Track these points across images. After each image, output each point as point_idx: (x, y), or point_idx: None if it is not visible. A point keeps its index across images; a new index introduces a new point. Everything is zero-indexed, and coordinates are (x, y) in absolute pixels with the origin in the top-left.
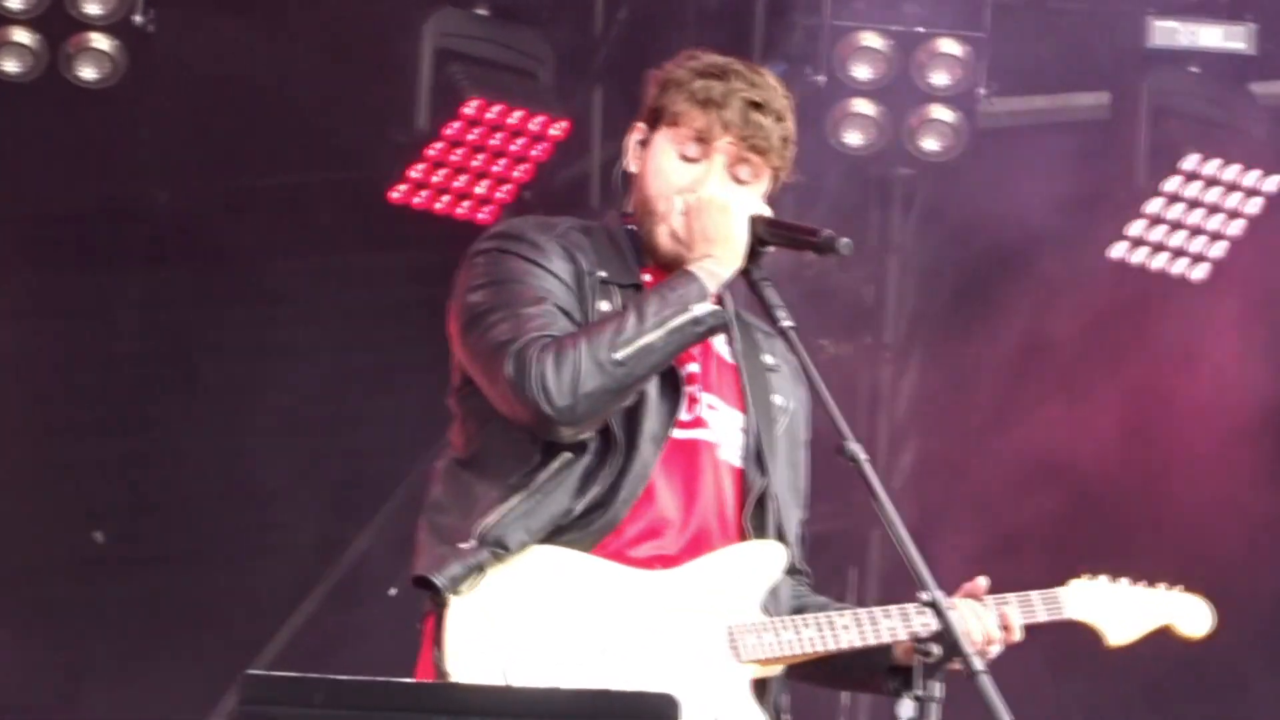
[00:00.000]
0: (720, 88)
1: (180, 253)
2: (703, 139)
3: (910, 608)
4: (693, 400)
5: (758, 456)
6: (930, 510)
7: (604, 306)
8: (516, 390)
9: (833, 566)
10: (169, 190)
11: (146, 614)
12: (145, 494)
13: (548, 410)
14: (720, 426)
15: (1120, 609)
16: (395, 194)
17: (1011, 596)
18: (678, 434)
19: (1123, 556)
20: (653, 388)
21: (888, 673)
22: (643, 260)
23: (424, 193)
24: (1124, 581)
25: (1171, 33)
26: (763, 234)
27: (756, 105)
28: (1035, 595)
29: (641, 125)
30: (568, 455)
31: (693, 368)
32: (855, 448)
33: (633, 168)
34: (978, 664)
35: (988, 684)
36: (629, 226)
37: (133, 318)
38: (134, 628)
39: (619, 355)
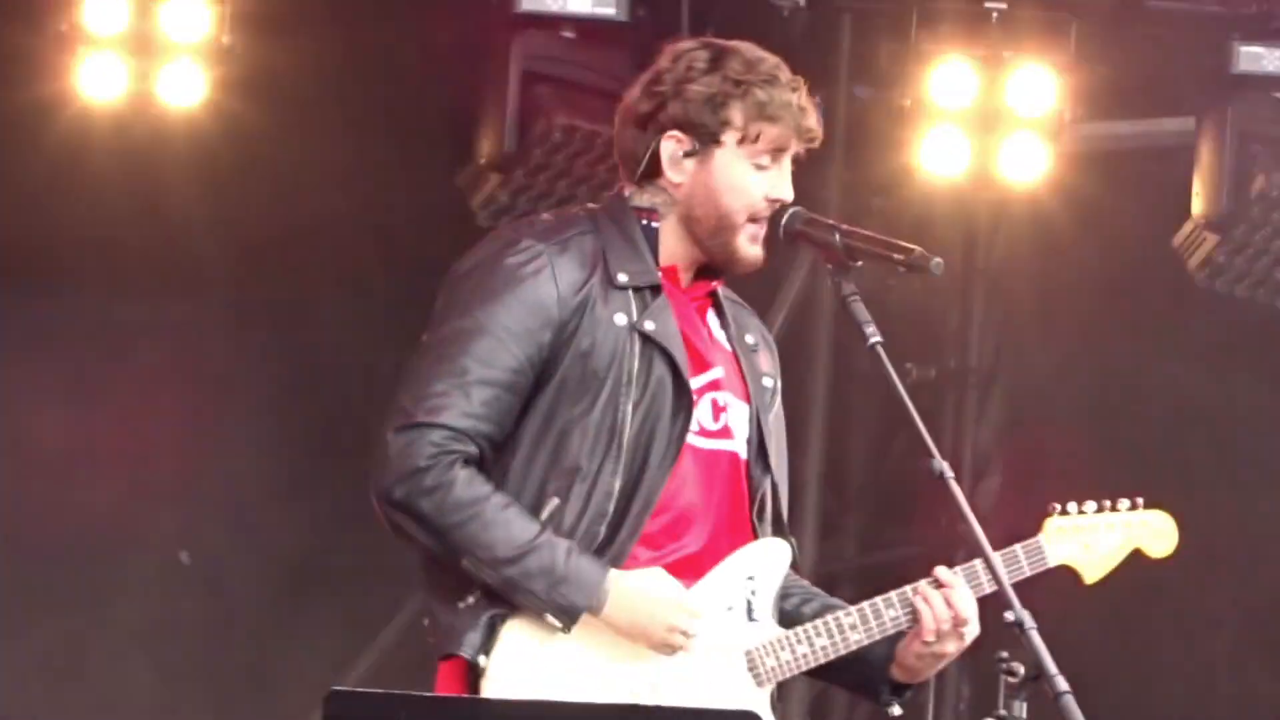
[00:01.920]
0: (780, 96)
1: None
2: (780, 149)
3: (908, 590)
4: (720, 409)
5: (760, 450)
6: (1014, 536)
7: (619, 319)
8: (396, 464)
9: None
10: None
11: (233, 630)
12: (223, 513)
13: (391, 501)
14: (737, 428)
15: (1093, 544)
16: (484, 216)
17: (995, 555)
18: (705, 443)
19: None
20: (667, 407)
21: (886, 690)
22: (659, 259)
23: (509, 216)
24: (1090, 507)
25: (1257, 58)
26: (853, 248)
27: (803, 99)
28: (1019, 549)
29: (679, 135)
30: (555, 503)
31: (717, 373)
32: (942, 465)
33: (676, 178)
34: (1061, 684)
35: (1071, 704)
36: (645, 222)
37: (233, 338)
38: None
39: (466, 553)
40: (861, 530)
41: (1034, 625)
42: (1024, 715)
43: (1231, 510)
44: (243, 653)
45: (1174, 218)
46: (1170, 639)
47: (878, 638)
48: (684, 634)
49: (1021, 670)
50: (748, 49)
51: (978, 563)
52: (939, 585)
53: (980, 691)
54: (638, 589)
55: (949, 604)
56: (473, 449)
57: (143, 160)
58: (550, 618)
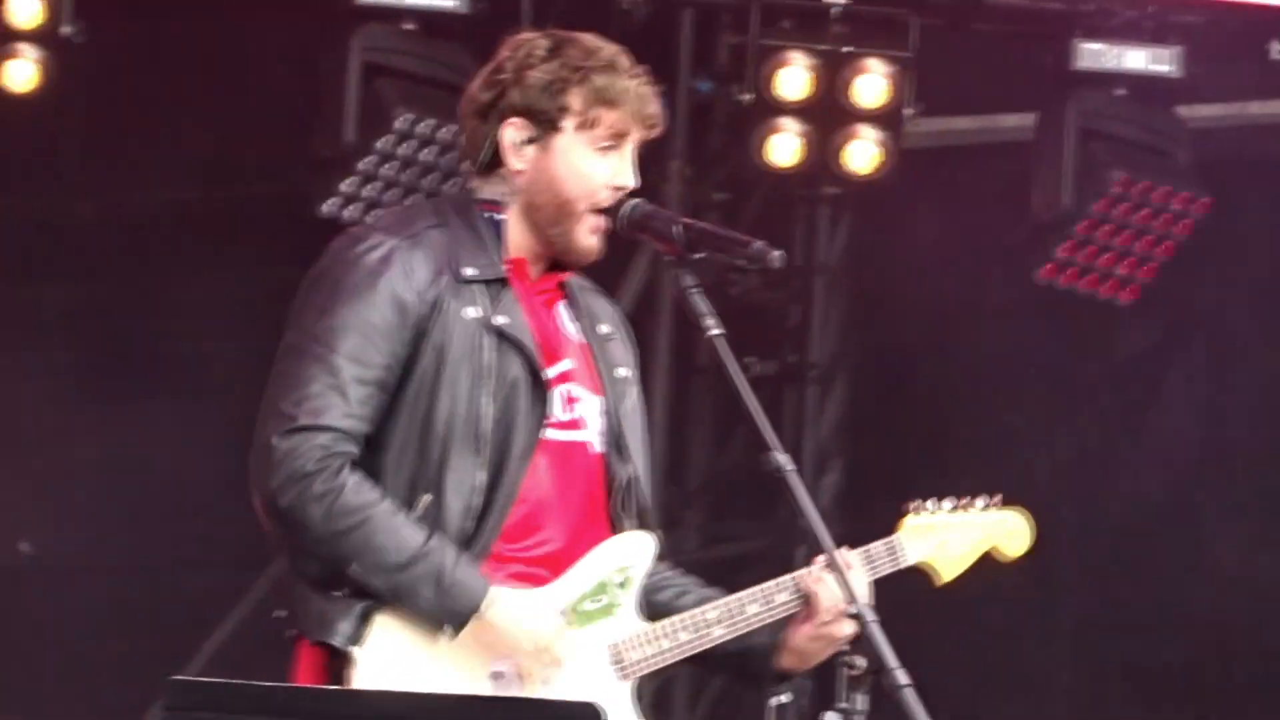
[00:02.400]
0: (620, 82)
1: (105, 267)
2: (620, 135)
3: (771, 586)
4: (571, 400)
5: (617, 441)
6: (855, 532)
7: (470, 313)
8: (282, 469)
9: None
10: (94, 204)
11: (76, 624)
12: (74, 505)
13: (277, 506)
14: (589, 419)
15: (948, 543)
16: (325, 208)
17: (854, 553)
18: (556, 435)
19: None
20: (522, 399)
21: (771, 679)
22: (504, 252)
23: (352, 207)
24: (947, 505)
25: (1098, 55)
26: (694, 241)
27: (643, 86)
28: (877, 546)
29: (519, 122)
30: (428, 498)
31: (567, 364)
32: (782, 458)
33: (517, 165)
34: (902, 678)
35: (912, 697)
36: (489, 214)
37: (60, 329)
38: (64, 638)
39: (354, 559)
40: (702, 524)
41: (875, 618)
42: (865, 709)
43: (1070, 512)
44: (78, 646)
45: (1014, 213)
46: (1008, 636)
47: (741, 632)
48: (553, 661)
49: (863, 663)
50: (588, 38)
51: (855, 554)
52: (844, 566)
53: (821, 685)
54: (517, 612)
55: (844, 584)
56: (355, 450)
57: None
58: (441, 624)
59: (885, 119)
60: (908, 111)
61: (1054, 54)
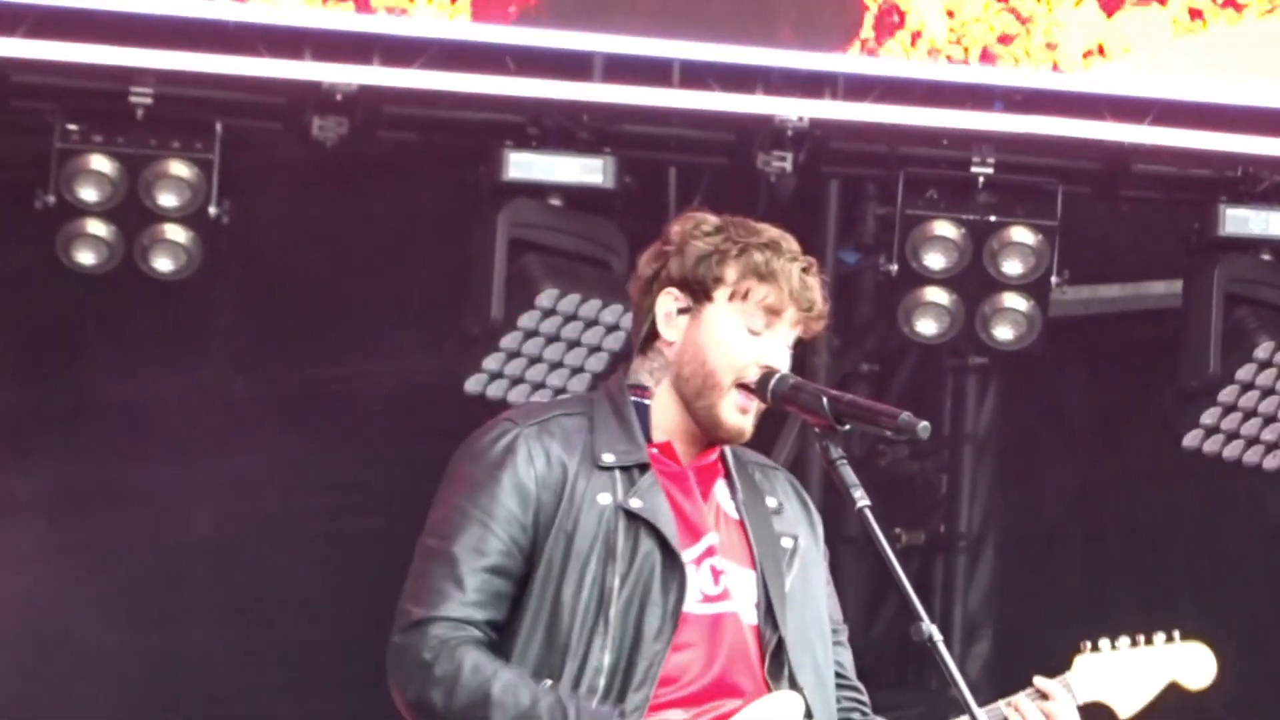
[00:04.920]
0: (778, 261)
1: (266, 440)
2: (773, 312)
3: (1000, 704)
4: (717, 573)
5: (769, 610)
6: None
7: (603, 499)
8: (406, 665)
9: None
10: (246, 379)
11: None
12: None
13: (408, 702)
14: (739, 592)
15: (1126, 678)
16: (470, 385)
17: (1023, 696)
18: (704, 609)
19: None
20: (657, 579)
21: None
22: (650, 435)
23: (499, 382)
24: (1124, 643)
25: (1243, 220)
26: (841, 413)
27: (805, 270)
28: (1048, 684)
29: (675, 292)
30: (549, 682)
31: (712, 539)
32: (930, 628)
33: (670, 336)
34: None
35: None
36: (636, 399)
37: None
38: None
39: None
40: None
41: None
42: None
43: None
44: None
45: (1162, 380)
46: None
47: None
48: None
49: None
50: (758, 223)
51: (1000, 703)
52: (1040, 696)
53: None
54: None
55: (1046, 715)
56: (478, 635)
57: None
58: None
59: (1031, 287)
60: (1055, 280)
61: (1200, 220)
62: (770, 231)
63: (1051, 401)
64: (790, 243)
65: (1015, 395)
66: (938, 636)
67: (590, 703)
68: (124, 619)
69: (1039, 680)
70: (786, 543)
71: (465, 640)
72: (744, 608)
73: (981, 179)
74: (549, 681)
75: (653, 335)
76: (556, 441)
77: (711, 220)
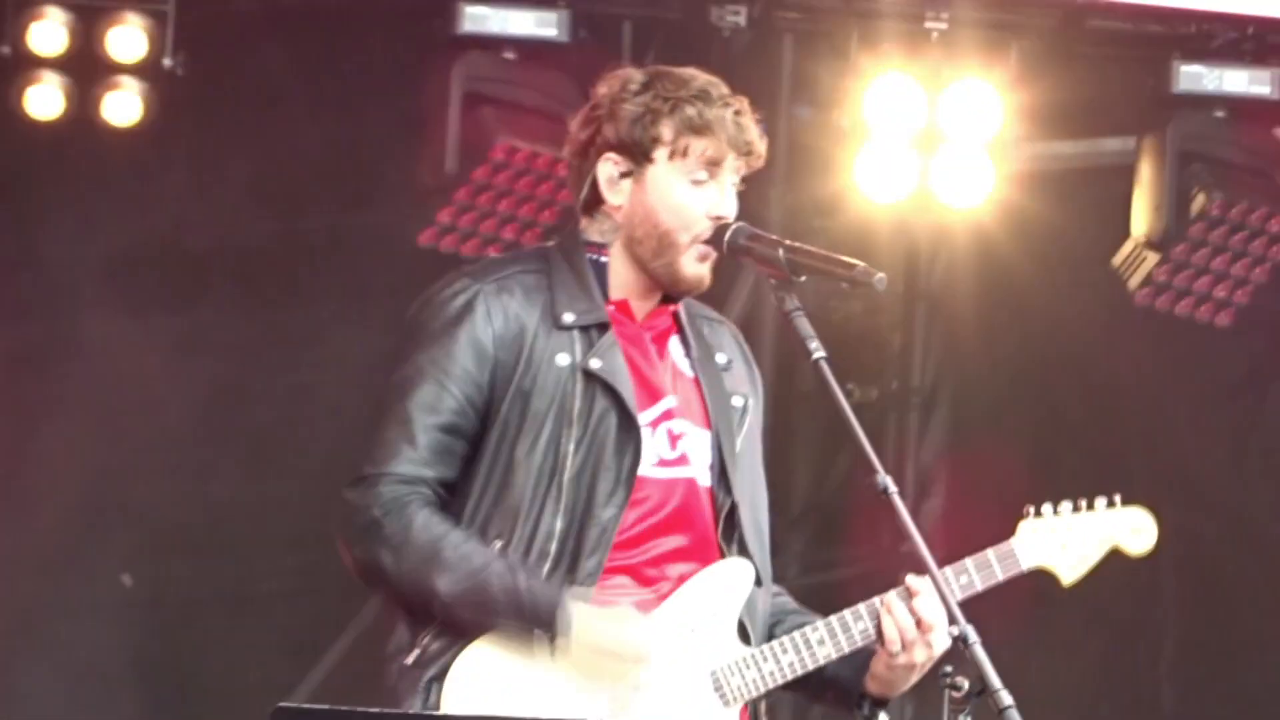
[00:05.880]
0: (711, 110)
1: (219, 295)
2: (714, 163)
3: (876, 601)
4: (675, 437)
5: (722, 473)
6: (958, 554)
7: (561, 359)
8: (354, 520)
9: None
10: (198, 234)
11: (180, 655)
12: (180, 537)
13: (355, 557)
14: (696, 454)
15: (1069, 544)
16: (423, 239)
17: (969, 562)
18: (662, 473)
19: None
20: (611, 443)
21: (860, 700)
22: (608, 294)
23: (449, 237)
24: (1066, 509)
25: (1197, 77)
26: (798, 264)
27: (738, 113)
28: (990, 554)
29: (615, 157)
30: (499, 543)
31: (670, 402)
32: (886, 480)
33: (615, 200)
34: (1006, 699)
35: (1016, 718)
36: (593, 257)
37: (171, 360)
38: (168, 669)
39: (431, 596)
40: (804, 551)
41: (978, 639)
42: None
43: (1168, 529)
44: (183, 675)
45: (1115, 237)
46: (1111, 651)
47: (846, 651)
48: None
49: (966, 685)
50: (683, 70)
51: (948, 570)
52: (909, 594)
53: (923, 707)
54: (605, 620)
55: (912, 612)
56: (427, 492)
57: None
58: (537, 632)
59: (986, 144)
60: (1008, 135)
61: (1155, 76)
62: (698, 79)
63: (1004, 257)
64: (719, 87)
65: (969, 251)
66: (893, 488)
67: (540, 572)
68: (75, 470)
69: (910, 578)
70: (737, 401)
71: (415, 497)
72: (700, 471)
73: (935, 33)
74: (499, 543)
75: (597, 199)
76: (515, 299)
77: (637, 77)
